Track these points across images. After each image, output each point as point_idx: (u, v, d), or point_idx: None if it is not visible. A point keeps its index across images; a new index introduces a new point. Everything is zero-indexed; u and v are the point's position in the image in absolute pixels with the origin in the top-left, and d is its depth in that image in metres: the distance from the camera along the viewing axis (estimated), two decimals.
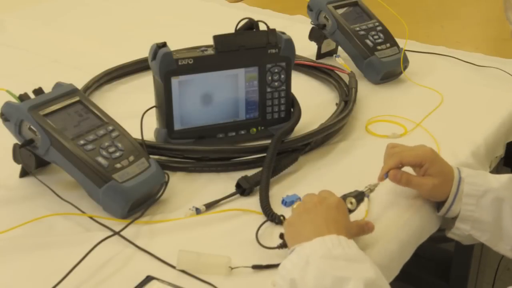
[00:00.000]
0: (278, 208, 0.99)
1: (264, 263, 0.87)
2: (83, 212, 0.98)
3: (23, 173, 1.07)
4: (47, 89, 1.04)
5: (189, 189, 1.06)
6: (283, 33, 1.17)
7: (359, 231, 0.90)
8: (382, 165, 1.02)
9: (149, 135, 1.15)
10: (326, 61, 1.53)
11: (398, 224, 0.98)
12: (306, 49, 1.51)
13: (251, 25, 1.16)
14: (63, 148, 0.96)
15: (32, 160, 1.03)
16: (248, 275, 0.86)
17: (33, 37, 1.78)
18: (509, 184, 0.99)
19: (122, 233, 0.92)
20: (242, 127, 1.19)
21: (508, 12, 0.98)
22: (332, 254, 0.79)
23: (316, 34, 1.54)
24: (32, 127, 0.98)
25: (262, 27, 1.15)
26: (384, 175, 1.00)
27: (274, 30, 1.15)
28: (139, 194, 0.97)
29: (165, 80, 1.10)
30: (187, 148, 1.12)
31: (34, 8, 2.01)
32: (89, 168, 0.95)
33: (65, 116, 1.00)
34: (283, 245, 0.88)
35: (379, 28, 1.48)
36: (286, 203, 1.01)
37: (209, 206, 1.00)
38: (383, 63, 1.43)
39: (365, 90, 1.41)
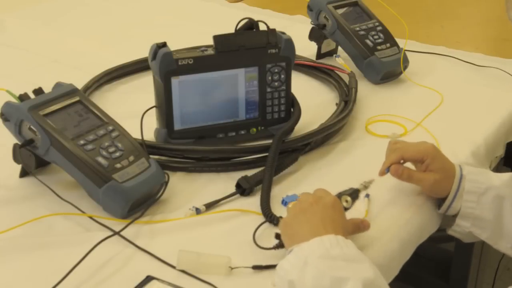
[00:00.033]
0: (278, 208, 0.99)
1: (264, 263, 0.87)
2: (83, 212, 0.98)
3: (23, 173, 1.07)
4: (47, 89, 1.04)
5: (189, 189, 1.06)
6: (283, 33, 1.17)
7: (355, 229, 0.89)
8: (382, 165, 1.02)
9: (149, 135, 1.15)
10: (326, 61, 1.53)
11: (398, 223, 0.98)
12: (306, 49, 1.51)
13: (251, 25, 1.16)
14: (63, 148, 0.96)
15: (32, 160, 1.03)
16: (248, 275, 0.86)
17: (33, 37, 1.78)
18: (511, 182, 0.99)
19: (122, 233, 0.92)
20: (242, 127, 1.19)
21: (510, 12, 0.98)
22: (330, 254, 0.78)
23: (316, 34, 1.54)
24: (32, 127, 0.98)
25: (262, 27, 1.15)
26: (386, 170, 1.00)
27: (274, 30, 1.15)
28: (139, 194, 0.97)
29: (165, 80, 1.10)
30: (187, 148, 1.12)
31: (34, 8, 2.01)
32: (89, 168, 0.95)
33: (65, 116, 1.00)
34: (280, 245, 0.88)
35: (379, 28, 1.48)
36: (286, 203, 1.00)
37: (209, 206, 1.00)
38: (383, 63, 1.43)
39: (365, 90, 1.41)
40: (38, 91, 1.03)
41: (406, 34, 1.49)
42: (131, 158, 0.99)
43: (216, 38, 1.12)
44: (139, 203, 0.98)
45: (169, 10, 2.02)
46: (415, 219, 1.00)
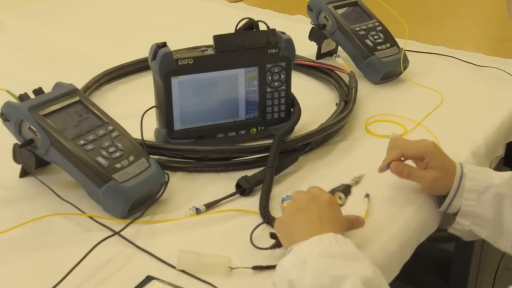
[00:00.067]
0: (277, 208, 0.99)
1: (264, 263, 0.87)
2: (83, 212, 0.98)
3: (23, 173, 1.07)
4: (47, 89, 1.04)
5: (189, 189, 1.06)
6: (283, 33, 1.17)
7: (349, 225, 0.89)
8: (382, 161, 1.02)
9: (149, 135, 1.15)
10: (326, 61, 1.53)
11: (398, 223, 0.98)
12: (306, 49, 1.51)
13: (251, 25, 1.16)
14: (63, 148, 0.96)
15: (32, 160, 1.03)
16: (248, 275, 0.86)
17: (33, 37, 1.78)
18: (511, 181, 0.99)
19: (122, 233, 0.92)
20: (242, 127, 1.19)
21: (511, 12, 0.98)
22: (330, 252, 0.78)
23: (316, 34, 1.54)
24: (32, 127, 0.98)
25: (262, 27, 1.15)
26: (386, 167, 1.00)
27: (274, 30, 1.15)
28: (139, 194, 0.97)
29: (165, 80, 1.10)
30: (187, 148, 1.12)
31: (34, 8, 2.01)
32: (89, 168, 0.95)
33: (65, 116, 1.00)
34: (277, 245, 0.88)
35: (379, 28, 1.48)
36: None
37: (209, 206, 1.00)
38: (383, 63, 1.43)
39: (365, 90, 1.41)
40: (38, 91, 1.03)
41: (406, 34, 1.49)
42: (131, 158, 0.99)
43: (216, 38, 1.12)
44: (139, 203, 0.98)
45: (169, 10, 2.02)
46: (415, 219, 1.00)
